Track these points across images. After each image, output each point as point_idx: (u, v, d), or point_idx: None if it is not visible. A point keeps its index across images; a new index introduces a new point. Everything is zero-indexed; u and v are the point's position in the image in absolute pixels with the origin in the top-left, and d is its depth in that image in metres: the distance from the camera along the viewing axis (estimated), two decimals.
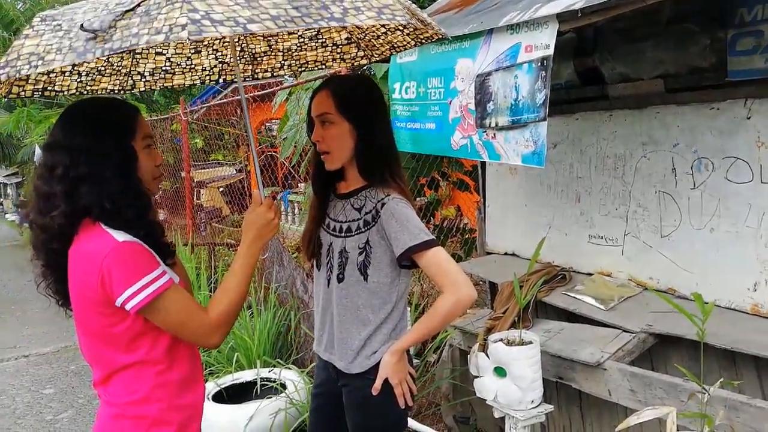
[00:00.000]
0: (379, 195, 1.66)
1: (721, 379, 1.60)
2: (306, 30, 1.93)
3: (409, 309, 2.13)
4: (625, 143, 2.43)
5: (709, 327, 1.52)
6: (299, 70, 2.10)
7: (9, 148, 17.17)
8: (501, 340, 2.07)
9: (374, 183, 1.69)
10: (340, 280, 1.70)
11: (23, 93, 1.60)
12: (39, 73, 1.59)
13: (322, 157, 1.71)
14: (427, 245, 1.57)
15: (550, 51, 1.74)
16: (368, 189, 1.70)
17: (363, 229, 1.66)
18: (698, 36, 2.13)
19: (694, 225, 2.20)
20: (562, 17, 1.73)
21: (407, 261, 1.62)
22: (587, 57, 2.54)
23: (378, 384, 1.64)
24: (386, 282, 1.67)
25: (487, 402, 2.11)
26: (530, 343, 2.03)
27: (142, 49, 1.81)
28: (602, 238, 2.57)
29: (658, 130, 2.30)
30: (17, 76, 1.16)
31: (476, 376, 2.16)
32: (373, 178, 1.69)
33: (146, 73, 1.88)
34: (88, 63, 1.69)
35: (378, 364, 1.65)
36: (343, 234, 1.71)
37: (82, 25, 1.15)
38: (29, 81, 1.59)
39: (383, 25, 1.77)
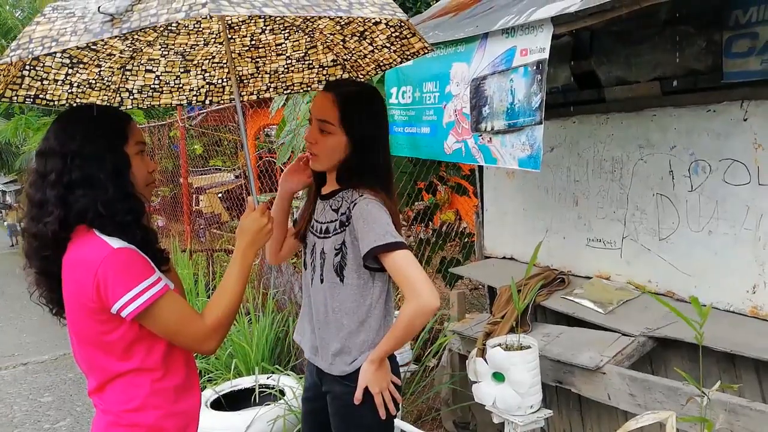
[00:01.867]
0: (353, 196, 1.65)
1: (719, 382, 1.59)
2: (294, 52, 1.95)
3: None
4: (622, 146, 2.43)
5: (707, 330, 1.51)
6: (284, 92, 2.11)
7: (7, 155, 17.16)
8: (499, 344, 2.07)
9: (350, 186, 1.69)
10: (321, 281, 1.70)
11: (15, 98, 1.60)
12: (32, 80, 1.59)
13: (309, 154, 1.73)
14: (390, 247, 1.52)
15: (546, 54, 1.74)
16: (345, 190, 1.70)
17: (339, 230, 1.66)
18: (694, 38, 2.13)
19: (692, 228, 2.19)
20: (557, 20, 1.73)
21: (372, 263, 1.60)
22: (583, 60, 2.54)
23: (358, 393, 1.62)
24: (359, 284, 1.65)
25: (485, 407, 2.10)
26: (529, 347, 2.02)
27: (133, 65, 1.81)
28: (600, 241, 2.56)
29: (655, 133, 2.29)
30: (29, 57, 1.16)
31: (474, 382, 2.15)
32: (347, 185, 1.69)
33: (134, 91, 1.88)
34: (80, 74, 1.69)
35: (359, 371, 1.64)
36: (322, 235, 1.71)
37: (98, 8, 1.17)
38: (22, 86, 1.59)
39: (370, 43, 1.81)
